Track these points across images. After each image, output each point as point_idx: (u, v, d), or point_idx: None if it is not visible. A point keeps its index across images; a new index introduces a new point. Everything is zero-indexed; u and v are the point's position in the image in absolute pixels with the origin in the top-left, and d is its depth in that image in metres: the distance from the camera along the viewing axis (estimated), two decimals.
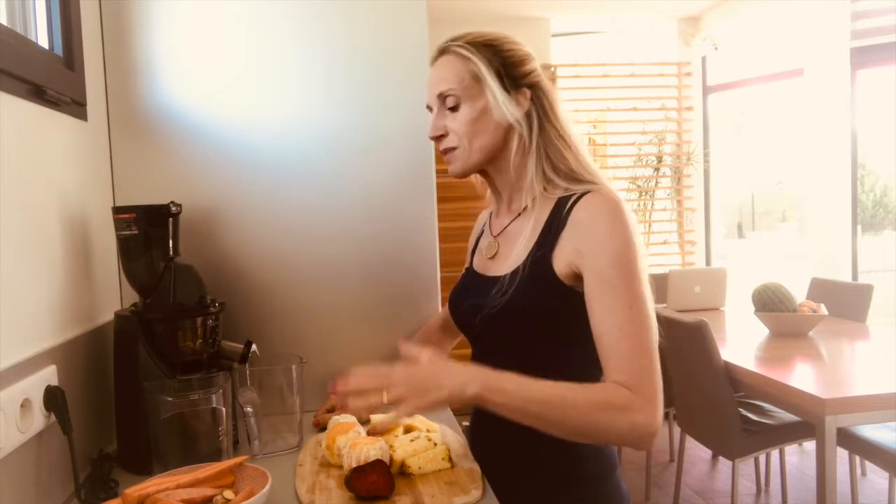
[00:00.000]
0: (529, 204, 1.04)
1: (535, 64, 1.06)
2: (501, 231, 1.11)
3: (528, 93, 1.04)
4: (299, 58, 1.38)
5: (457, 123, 1.04)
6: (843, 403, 1.99)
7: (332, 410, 1.29)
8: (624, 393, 0.87)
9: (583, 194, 0.98)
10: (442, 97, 1.04)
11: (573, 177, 1.02)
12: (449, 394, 0.86)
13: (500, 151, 1.05)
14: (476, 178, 1.15)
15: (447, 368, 0.88)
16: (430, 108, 1.09)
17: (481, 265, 1.14)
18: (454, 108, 1.04)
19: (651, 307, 0.93)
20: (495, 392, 0.86)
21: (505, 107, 1.02)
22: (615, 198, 0.97)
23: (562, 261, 0.97)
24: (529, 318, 0.99)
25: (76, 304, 1.12)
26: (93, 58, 1.26)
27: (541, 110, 1.04)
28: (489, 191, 1.16)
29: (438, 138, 1.06)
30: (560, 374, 1.00)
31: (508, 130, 1.04)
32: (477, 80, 1.02)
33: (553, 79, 4.65)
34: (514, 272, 1.01)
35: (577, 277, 0.96)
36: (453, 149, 1.05)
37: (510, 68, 1.03)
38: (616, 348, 0.90)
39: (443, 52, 1.06)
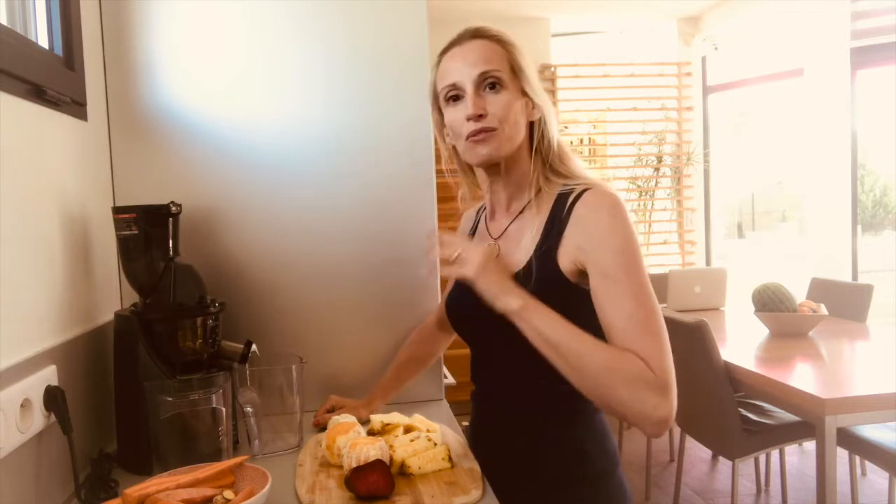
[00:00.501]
0: (529, 204, 1.05)
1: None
2: (501, 233, 1.11)
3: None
4: (299, 58, 1.38)
5: (497, 106, 1.01)
6: (843, 403, 1.99)
7: (332, 410, 1.29)
8: (641, 365, 0.87)
9: (583, 191, 0.99)
10: (483, 77, 1.02)
11: (570, 177, 1.04)
12: (502, 291, 0.95)
13: (521, 145, 1.06)
14: (479, 172, 1.14)
15: (505, 279, 0.97)
16: (451, 93, 1.04)
17: None
18: (495, 90, 1.02)
19: (656, 299, 0.94)
20: (532, 314, 0.93)
21: (542, 101, 1.04)
22: (614, 194, 0.98)
23: (566, 258, 0.98)
24: None
25: (76, 304, 1.12)
26: (93, 58, 1.26)
27: (545, 120, 1.07)
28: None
29: (479, 116, 1.01)
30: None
31: (526, 128, 1.06)
32: (514, 72, 1.03)
33: (553, 79, 4.65)
34: (519, 273, 1.01)
35: (582, 274, 0.97)
36: (491, 130, 1.01)
37: (532, 72, 1.06)
38: (626, 336, 0.90)
39: (480, 36, 1.04)
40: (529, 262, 1.00)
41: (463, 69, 1.03)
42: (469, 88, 1.02)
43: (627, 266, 0.93)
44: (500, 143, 1.02)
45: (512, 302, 0.93)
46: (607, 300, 0.93)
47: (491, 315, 1.02)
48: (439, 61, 1.08)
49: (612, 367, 0.88)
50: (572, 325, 0.91)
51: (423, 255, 1.43)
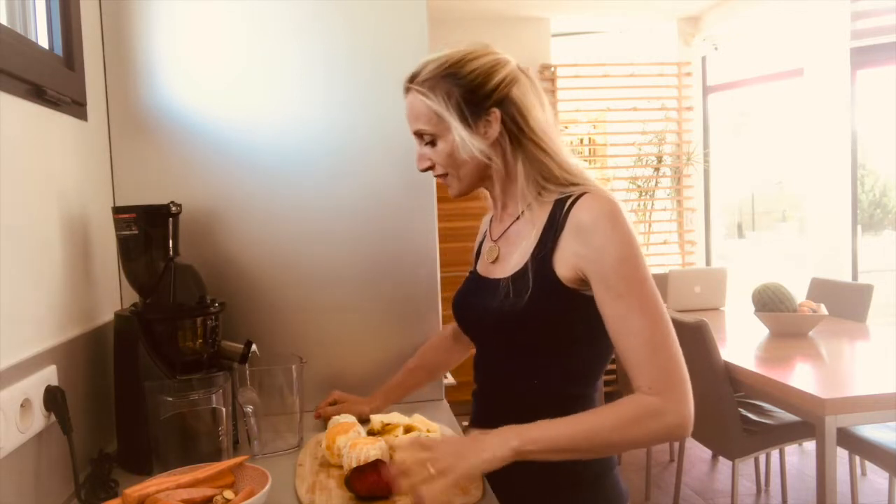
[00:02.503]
0: (525, 209, 1.05)
1: (505, 71, 1.02)
2: (501, 235, 1.11)
3: (497, 113, 1.01)
4: (299, 58, 1.38)
5: (437, 156, 1.05)
6: (843, 403, 1.99)
7: (334, 404, 1.29)
8: (649, 401, 0.89)
9: (580, 195, 0.98)
10: (418, 134, 1.06)
11: (562, 181, 1.02)
12: (492, 454, 0.86)
13: (485, 171, 1.06)
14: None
15: (483, 435, 0.89)
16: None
17: (484, 269, 1.14)
18: (432, 143, 1.05)
19: (663, 305, 0.94)
20: (531, 442, 0.87)
21: (471, 144, 1.01)
22: (612, 199, 0.97)
23: (563, 264, 0.97)
24: (532, 320, 0.99)
25: (76, 304, 1.12)
26: (93, 58, 1.26)
27: (514, 125, 1.02)
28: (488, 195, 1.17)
29: (428, 168, 1.08)
30: (563, 373, 1.00)
31: (481, 158, 1.04)
32: (441, 119, 1.02)
33: (553, 79, 4.65)
34: (515, 275, 1.01)
35: (581, 281, 0.96)
36: (444, 175, 1.07)
37: (473, 93, 1.00)
38: (635, 355, 0.91)
39: (407, 91, 1.07)
40: (526, 266, 1.00)
41: (409, 124, 1.08)
42: (416, 142, 1.08)
43: (630, 275, 0.92)
44: (457, 184, 1.07)
45: (506, 448, 0.86)
46: (613, 315, 0.93)
47: (493, 314, 1.02)
48: None
49: (624, 425, 0.89)
50: (566, 418, 0.90)
51: (422, 255, 1.44)
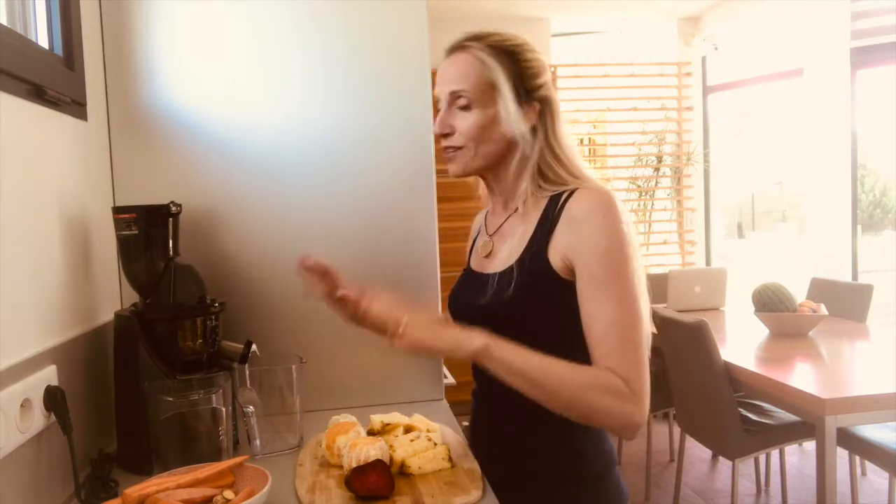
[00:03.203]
0: (521, 205, 1.05)
1: (548, 75, 1.06)
2: (496, 230, 1.12)
3: (537, 107, 1.03)
4: (299, 58, 1.38)
5: (465, 125, 1.02)
6: (843, 403, 1.99)
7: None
8: (616, 380, 0.89)
9: (574, 190, 0.99)
10: (454, 95, 1.03)
11: (563, 184, 1.03)
12: (455, 341, 0.92)
13: (501, 160, 1.05)
14: (473, 177, 1.15)
15: (455, 326, 0.96)
16: (436, 100, 1.07)
17: (478, 264, 1.15)
18: (464, 108, 1.02)
19: (643, 302, 0.94)
20: (497, 349, 0.91)
21: (515, 121, 1.01)
22: (607, 192, 0.98)
23: (556, 255, 0.98)
24: (526, 313, 1.00)
25: (76, 304, 1.12)
26: (93, 58, 1.26)
27: (545, 126, 1.04)
28: (483, 189, 1.17)
29: (444, 136, 1.05)
30: None
31: (511, 142, 1.04)
32: (492, 87, 1.01)
33: (553, 79, 4.66)
34: (509, 269, 1.02)
35: (571, 271, 0.97)
36: (457, 148, 1.04)
37: (527, 80, 1.02)
38: (605, 341, 0.92)
39: (461, 49, 1.04)
40: (521, 259, 1.01)
41: (441, 84, 1.05)
42: (442, 104, 1.05)
43: (614, 267, 0.93)
44: (467, 161, 1.04)
45: (475, 342, 0.91)
46: (589, 302, 0.94)
47: (487, 309, 1.02)
48: None
49: (588, 388, 0.89)
50: (538, 354, 0.91)
51: (422, 255, 1.44)
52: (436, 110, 1.09)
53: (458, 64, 1.03)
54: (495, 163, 1.06)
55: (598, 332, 0.92)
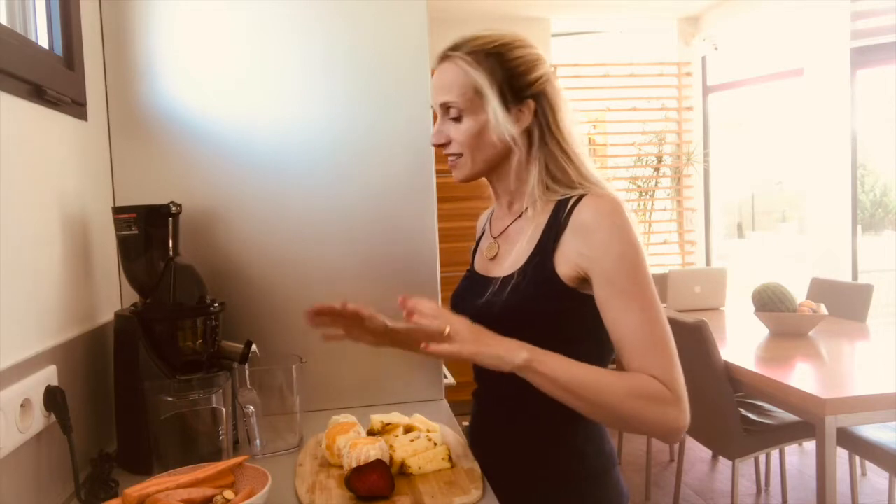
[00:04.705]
0: (529, 206, 1.04)
1: (544, 68, 1.04)
2: (501, 232, 1.11)
3: (531, 104, 1.02)
4: (299, 58, 1.38)
5: (459, 134, 1.02)
6: (843, 403, 1.99)
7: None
8: (658, 385, 0.89)
9: (581, 196, 0.98)
10: (444, 106, 1.03)
11: (573, 185, 1.01)
12: (498, 354, 0.90)
13: (502, 161, 1.05)
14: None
15: (499, 337, 0.92)
16: (433, 110, 1.08)
17: (482, 266, 1.14)
18: (457, 119, 1.02)
19: (661, 305, 0.94)
20: (542, 363, 0.90)
21: (504, 126, 1.00)
22: (615, 198, 0.97)
23: (564, 263, 0.97)
24: (531, 319, 0.99)
25: (76, 304, 1.12)
26: (93, 58, 1.26)
27: (544, 121, 1.03)
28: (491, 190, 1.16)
29: (442, 145, 1.05)
30: None
31: (511, 143, 1.03)
32: (479, 94, 1.01)
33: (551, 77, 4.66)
34: (514, 274, 1.01)
35: (582, 280, 0.96)
36: (457, 156, 1.05)
37: (515, 79, 1.01)
38: (638, 349, 0.91)
39: (445, 59, 1.04)
40: (526, 265, 1.00)
41: (433, 95, 1.05)
42: (438, 115, 1.05)
43: (631, 273, 0.92)
44: (469, 167, 1.04)
45: (519, 357, 0.89)
46: (614, 312, 0.93)
47: (491, 312, 1.02)
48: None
49: (633, 396, 0.89)
50: (580, 363, 0.91)
51: (422, 255, 1.44)
52: (435, 117, 1.09)
53: (444, 74, 1.03)
54: (495, 166, 1.06)
55: (629, 340, 0.92)
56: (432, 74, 1.08)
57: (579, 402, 0.90)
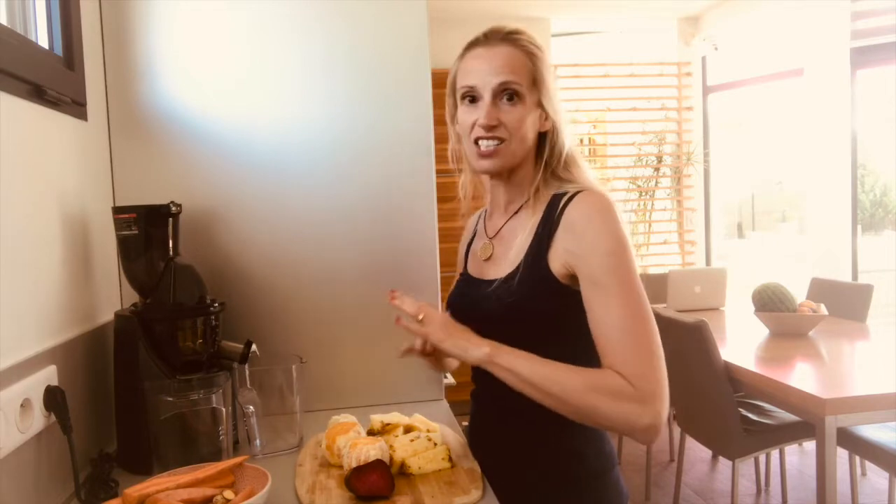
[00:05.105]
0: (524, 204, 1.05)
1: None
2: (496, 233, 1.11)
3: None
4: (299, 58, 1.38)
5: (513, 118, 1.01)
6: (843, 403, 1.99)
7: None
8: (619, 381, 0.88)
9: (575, 193, 0.99)
10: (503, 87, 1.00)
11: (571, 182, 1.03)
12: (461, 345, 0.96)
13: (527, 157, 1.06)
14: (484, 178, 1.14)
15: (467, 331, 0.99)
16: (468, 93, 1.03)
17: (476, 268, 1.14)
18: (512, 101, 1.01)
19: (647, 304, 0.94)
20: (502, 357, 0.93)
21: (557, 114, 1.03)
22: (606, 197, 0.98)
23: (556, 261, 0.98)
24: (530, 319, 1.00)
25: (76, 304, 1.12)
26: (93, 58, 1.26)
27: (558, 128, 1.06)
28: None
29: (491, 127, 1.01)
30: None
31: (535, 140, 1.05)
32: (536, 82, 1.02)
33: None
34: (511, 274, 1.01)
35: (573, 277, 0.97)
36: (501, 141, 1.01)
37: (551, 81, 1.04)
38: (613, 344, 0.91)
39: (509, 42, 1.02)
40: (522, 264, 1.01)
41: (485, 74, 1.01)
42: (486, 96, 1.01)
43: (616, 269, 0.93)
44: (506, 157, 1.03)
45: (481, 350, 0.94)
46: (597, 306, 0.93)
47: (490, 314, 1.02)
48: (464, 55, 1.05)
49: (591, 390, 0.89)
50: (542, 359, 0.92)
51: (422, 255, 1.44)
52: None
53: (505, 56, 1.01)
54: (525, 159, 1.06)
55: (606, 336, 0.92)
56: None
57: (542, 395, 0.92)
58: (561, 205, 0.99)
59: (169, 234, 1.17)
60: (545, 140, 1.06)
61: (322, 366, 1.40)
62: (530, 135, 1.03)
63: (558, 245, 0.98)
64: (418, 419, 1.12)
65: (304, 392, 1.22)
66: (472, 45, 1.05)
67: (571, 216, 0.97)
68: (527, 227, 1.03)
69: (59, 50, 1.14)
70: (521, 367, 0.92)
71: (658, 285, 3.48)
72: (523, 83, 1.00)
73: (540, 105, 1.03)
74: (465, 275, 1.17)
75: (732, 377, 2.40)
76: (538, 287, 0.98)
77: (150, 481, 0.88)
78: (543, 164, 1.05)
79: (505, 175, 1.07)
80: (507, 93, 1.00)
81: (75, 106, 1.16)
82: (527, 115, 1.01)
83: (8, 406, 0.84)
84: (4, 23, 1.00)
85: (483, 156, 1.02)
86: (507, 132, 1.01)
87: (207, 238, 1.37)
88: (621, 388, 0.88)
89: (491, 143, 1.01)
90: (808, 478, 3.24)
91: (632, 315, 0.91)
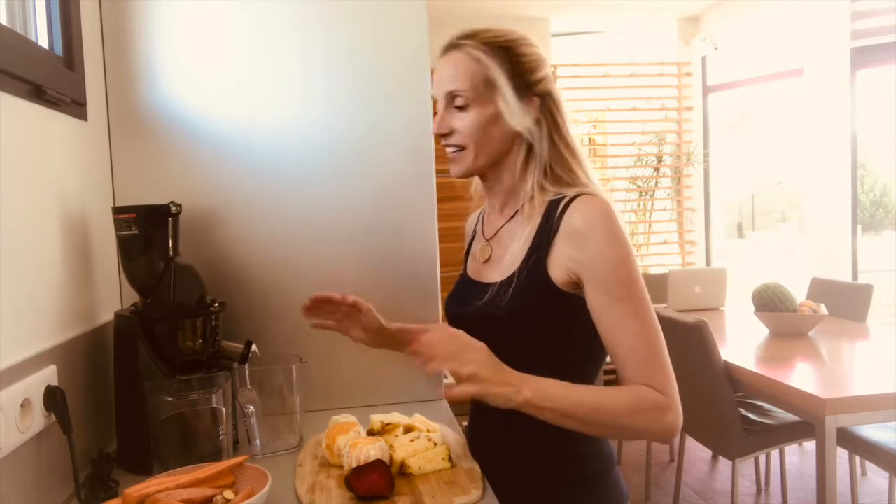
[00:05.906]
0: (523, 205, 1.04)
1: (548, 69, 1.04)
2: (494, 235, 1.11)
3: (537, 101, 1.02)
4: (299, 58, 1.38)
5: (464, 125, 1.01)
6: (843, 403, 1.99)
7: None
8: (656, 395, 0.90)
9: (573, 197, 0.98)
10: (451, 96, 1.02)
11: (568, 186, 1.01)
12: (507, 396, 0.87)
13: (504, 158, 1.04)
14: (474, 178, 1.14)
15: (508, 371, 0.89)
16: (434, 101, 1.06)
17: (475, 270, 1.13)
18: (462, 108, 1.01)
19: (652, 308, 0.94)
20: (544, 399, 0.89)
21: (517, 115, 1.00)
22: (606, 201, 0.96)
23: (557, 267, 0.97)
24: (527, 323, 0.99)
25: (76, 304, 1.12)
26: (93, 58, 1.26)
27: (550, 120, 1.03)
28: (478, 189, 1.15)
29: (444, 135, 1.03)
30: (559, 375, 1.00)
31: (514, 139, 1.03)
32: (489, 85, 1.00)
33: (553, 78, 4.66)
34: (509, 279, 1.01)
35: (575, 284, 0.96)
36: (459, 149, 1.03)
37: (523, 76, 1.01)
38: (633, 356, 0.92)
39: (455, 48, 1.03)
40: (520, 269, 1.00)
41: (437, 84, 1.04)
42: (440, 104, 1.04)
43: (626, 280, 0.93)
44: (470, 161, 1.03)
45: (522, 395, 0.88)
46: (610, 320, 0.93)
47: (488, 315, 1.02)
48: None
49: (635, 412, 0.90)
50: (579, 387, 0.91)
51: (422, 255, 1.44)
52: (434, 111, 1.08)
53: (453, 63, 1.02)
54: (498, 161, 1.05)
55: (625, 350, 0.92)
56: (431, 72, 1.08)
57: (585, 427, 0.91)
58: (560, 208, 0.98)
59: (169, 234, 1.17)
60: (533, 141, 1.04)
61: (322, 366, 1.40)
62: (495, 138, 1.02)
63: (559, 252, 0.96)
64: (418, 419, 1.12)
65: (304, 392, 1.22)
66: (440, 53, 1.07)
67: (572, 222, 0.95)
68: (525, 231, 1.02)
69: (59, 50, 1.14)
70: (565, 403, 0.89)
71: (658, 285, 3.48)
72: (468, 89, 1.00)
73: (509, 104, 1.01)
74: (464, 276, 1.17)
75: (732, 377, 2.40)
76: (536, 293, 0.97)
77: (150, 481, 0.88)
78: (528, 166, 1.03)
79: (490, 178, 1.08)
80: (456, 100, 1.02)
81: (75, 106, 1.16)
82: (482, 120, 1.00)
83: (8, 406, 0.84)
84: (4, 23, 1.00)
85: (450, 160, 1.05)
86: (461, 138, 1.02)
87: (207, 238, 1.37)
88: (658, 402, 0.90)
89: (450, 149, 1.04)
90: (808, 478, 3.24)
91: (645, 326, 0.92)
